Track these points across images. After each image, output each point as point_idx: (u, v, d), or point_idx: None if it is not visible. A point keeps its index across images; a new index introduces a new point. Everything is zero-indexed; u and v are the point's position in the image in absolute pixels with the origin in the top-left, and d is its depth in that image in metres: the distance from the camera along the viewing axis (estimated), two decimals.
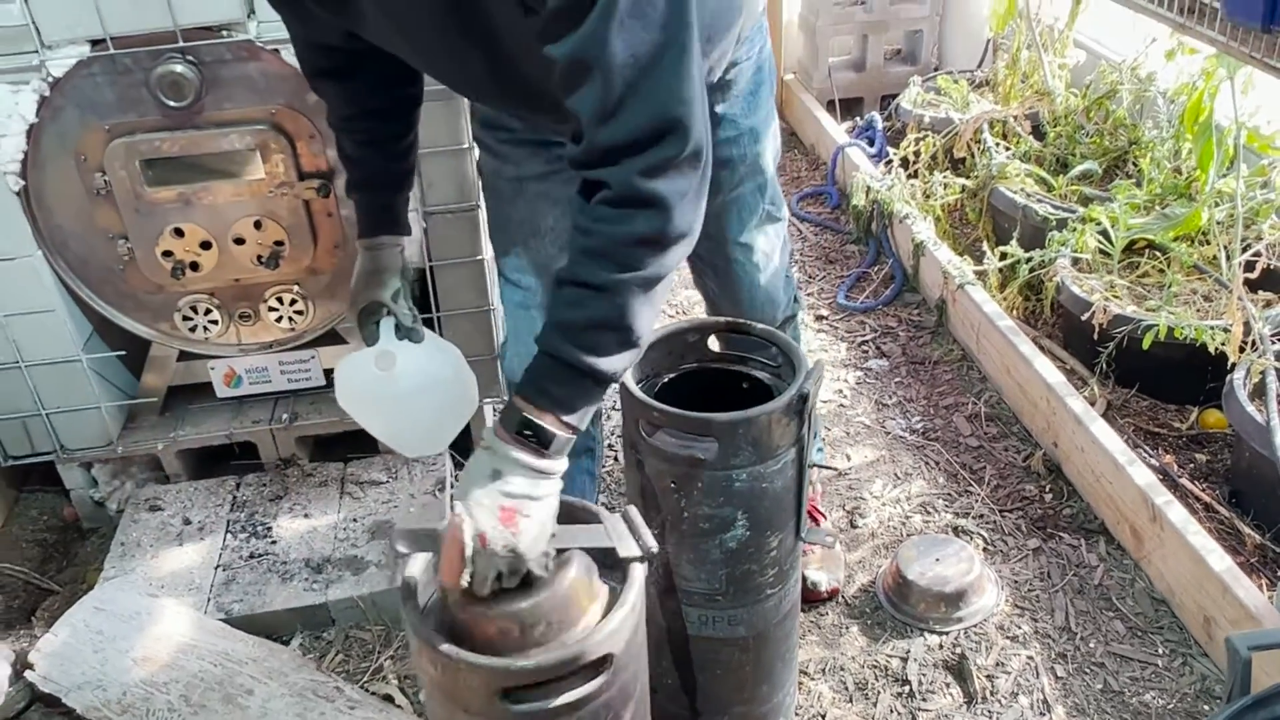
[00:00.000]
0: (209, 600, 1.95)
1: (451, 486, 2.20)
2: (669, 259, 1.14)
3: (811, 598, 1.95)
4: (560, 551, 1.23)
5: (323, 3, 1.24)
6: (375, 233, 1.55)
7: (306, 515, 2.14)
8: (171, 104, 1.89)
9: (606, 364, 1.14)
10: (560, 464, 1.17)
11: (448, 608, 1.18)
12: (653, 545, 1.20)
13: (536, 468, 1.13)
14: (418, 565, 1.22)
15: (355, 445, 2.28)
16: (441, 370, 1.59)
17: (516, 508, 1.12)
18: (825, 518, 2.14)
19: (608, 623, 1.13)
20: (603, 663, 1.12)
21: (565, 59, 1.06)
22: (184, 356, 2.20)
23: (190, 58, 1.87)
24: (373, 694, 1.81)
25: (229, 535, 2.10)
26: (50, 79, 1.85)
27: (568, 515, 1.27)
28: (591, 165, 1.13)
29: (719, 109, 1.59)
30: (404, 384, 1.55)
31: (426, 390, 1.57)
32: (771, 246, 1.80)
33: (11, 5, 1.76)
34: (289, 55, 1.87)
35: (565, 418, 1.14)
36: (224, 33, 1.85)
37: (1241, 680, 1.03)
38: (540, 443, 1.13)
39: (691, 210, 1.14)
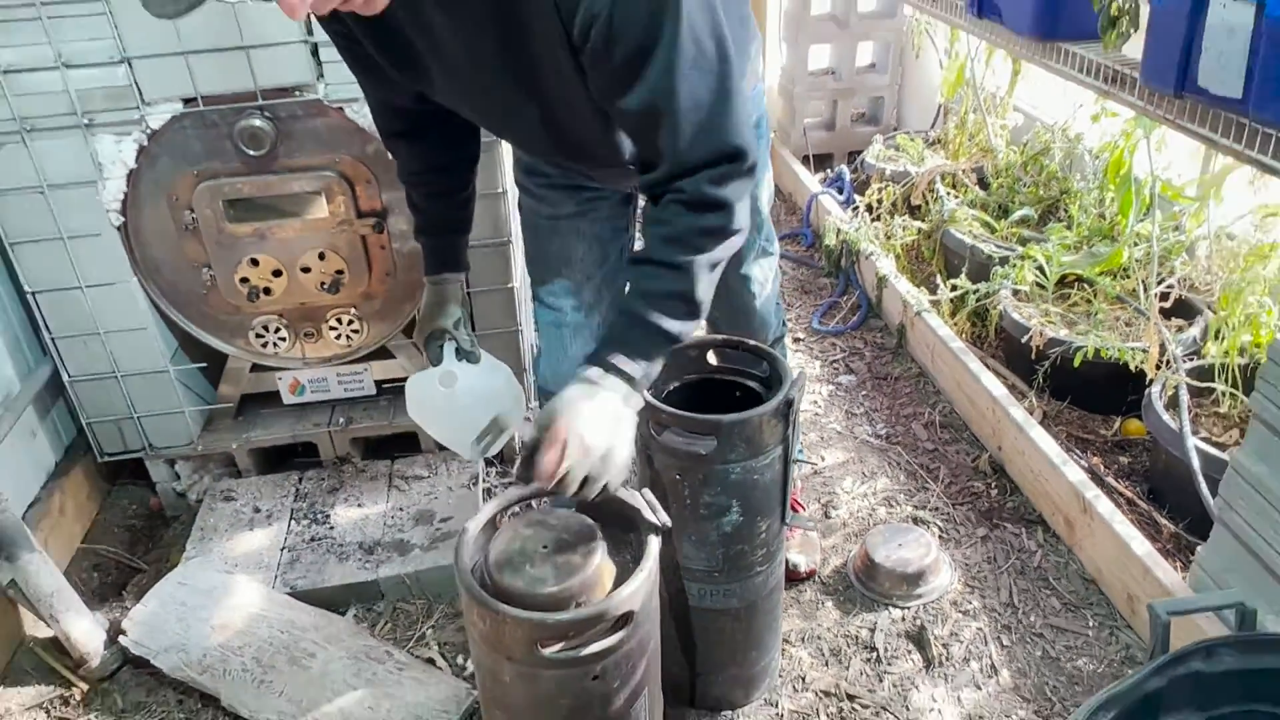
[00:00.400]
0: (276, 577, 1.96)
1: (483, 480, 2.21)
2: (728, 247, 1.20)
3: (792, 577, 1.95)
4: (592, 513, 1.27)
5: (397, 67, 1.26)
6: (440, 270, 1.54)
7: (359, 505, 2.14)
8: (250, 153, 1.90)
9: (675, 327, 1.19)
10: (638, 402, 1.21)
11: (492, 572, 1.20)
12: (667, 520, 1.24)
13: (625, 400, 1.18)
14: (469, 537, 1.24)
15: (401, 445, 2.29)
16: (494, 386, 1.59)
17: (615, 427, 1.16)
18: (804, 508, 2.16)
19: (629, 585, 1.15)
20: (625, 619, 1.15)
21: (638, 110, 1.10)
22: (256, 368, 2.21)
23: (267, 114, 1.89)
24: (417, 657, 1.82)
25: (293, 522, 2.11)
26: (148, 131, 1.87)
27: (603, 499, 1.28)
28: (671, 181, 1.17)
29: None
30: (464, 399, 1.54)
31: (482, 404, 1.55)
32: (765, 277, 1.81)
33: (118, 68, 1.79)
34: (351, 113, 1.89)
35: (641, 363, 1.19)
36: (296, 93, 1.87)
37: (1162, 641, 1.04)
38: (622, 378, 1.17)
39: (745, 209, 1.19)
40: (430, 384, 1.55)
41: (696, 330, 1.26)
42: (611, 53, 1.06)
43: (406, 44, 1.20)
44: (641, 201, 1.75)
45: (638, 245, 1.71)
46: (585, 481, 1.15)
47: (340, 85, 1.86)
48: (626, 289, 1.26)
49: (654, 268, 1.19)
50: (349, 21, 1.18)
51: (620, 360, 1.18)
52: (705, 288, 1.20)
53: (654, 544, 1.21)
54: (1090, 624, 1.85)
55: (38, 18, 1.72)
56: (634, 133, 1.19)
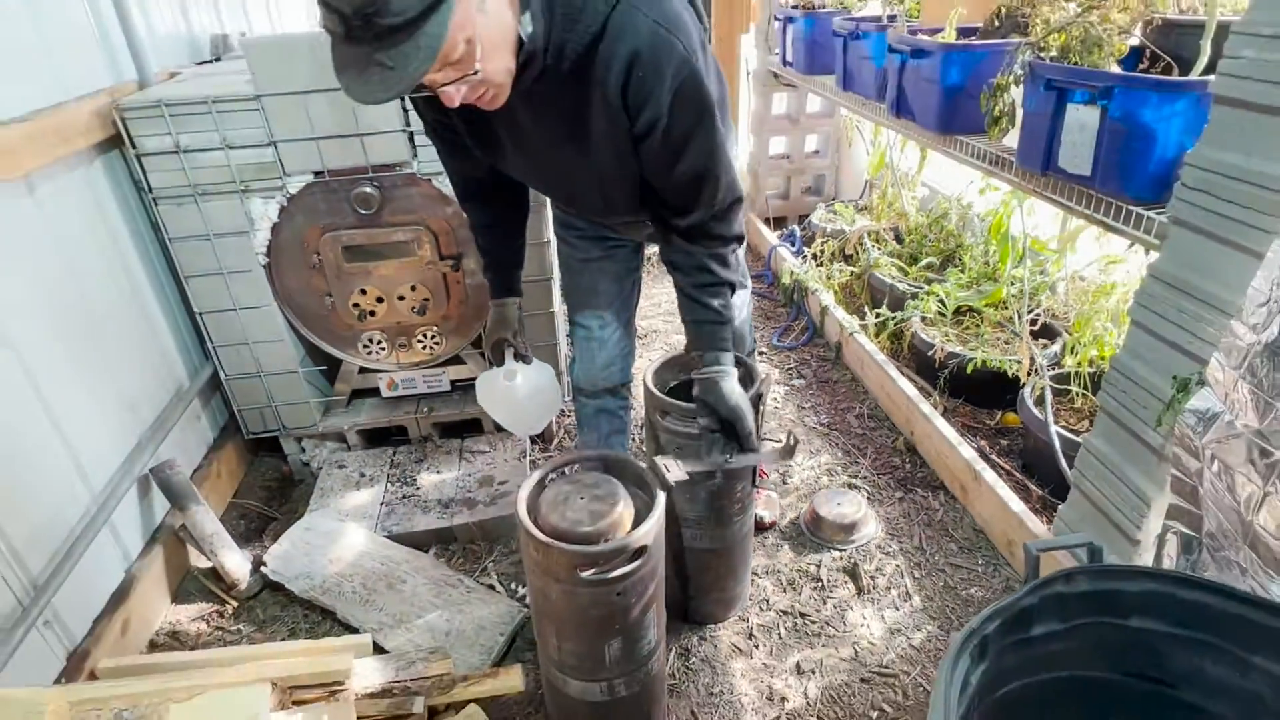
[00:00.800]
0: (376, 524, 1.97)
1: (529, 455, 2.21)
2: (739, 253, 1.35)
3: (759, 527, 1.96)
4: (616, 473, 1.28)
5: (480, 147, 1.26)
6: (502, 295, 1.54)
7: (438, 472, 2.15)
8: (362, 212, 1.92)
9: (723, 326, 1.32)
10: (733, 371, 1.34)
11: (543, 516, 1.20)
12: (671, 481, 1.25)
13: (731, 376, 1.33)
14: (526, 492, 1.25)
15: (469, 428, 2.29)
16: (542, 382, 1.58)
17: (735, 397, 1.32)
18: (767, 475, 2.16)
19: (643, 526, 1.16)
20: (640, 551, 1.16)
21: (687, 174, 1.17)
22: (362, 370, 2.21)
23: (375, 183, 1.89)
24: (481, 584, 1.82)
25: (388, 484, 2.11)
26: (288, 195, 1.88)
27: (623, 465, 1.32)
28: (700, 224, 1.24)
29: None
30: (520, 391, 1.54)
31: (533, 395, 1.56)
32: (742, 303, 1.79)
33: (267, 149, 1.81)
34: (437, 183, 1.90)
35: (722, 352, 1.33)
36: (397, 168, 1.88)
37: (1034, 569, 1.04)
38: (721, 363, 1.32)
39: (742, 225, 1.31)
40: (495, 379, 1.55)
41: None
42: (666, 140, 1.11)
43: (491, 130, 1.22)
44: (650, 249, 1.78)
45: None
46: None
47: (429, 163, 1.86)
48: (683, 311, 1.35)
49: (693, 304, 1.31)
50: (450, 113, 1.17)
51: (713, 352, 1.32)
52: (735, 277, 1.32)
53: (661, 497, 1.23)
54: (979, 562, 1.86)
55: (209, 112, 1.75)
56: (678, 191, 1.21)
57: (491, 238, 1.51)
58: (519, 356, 1.55)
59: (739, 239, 1.31)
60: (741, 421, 1.30)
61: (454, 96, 0.97)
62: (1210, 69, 1.27)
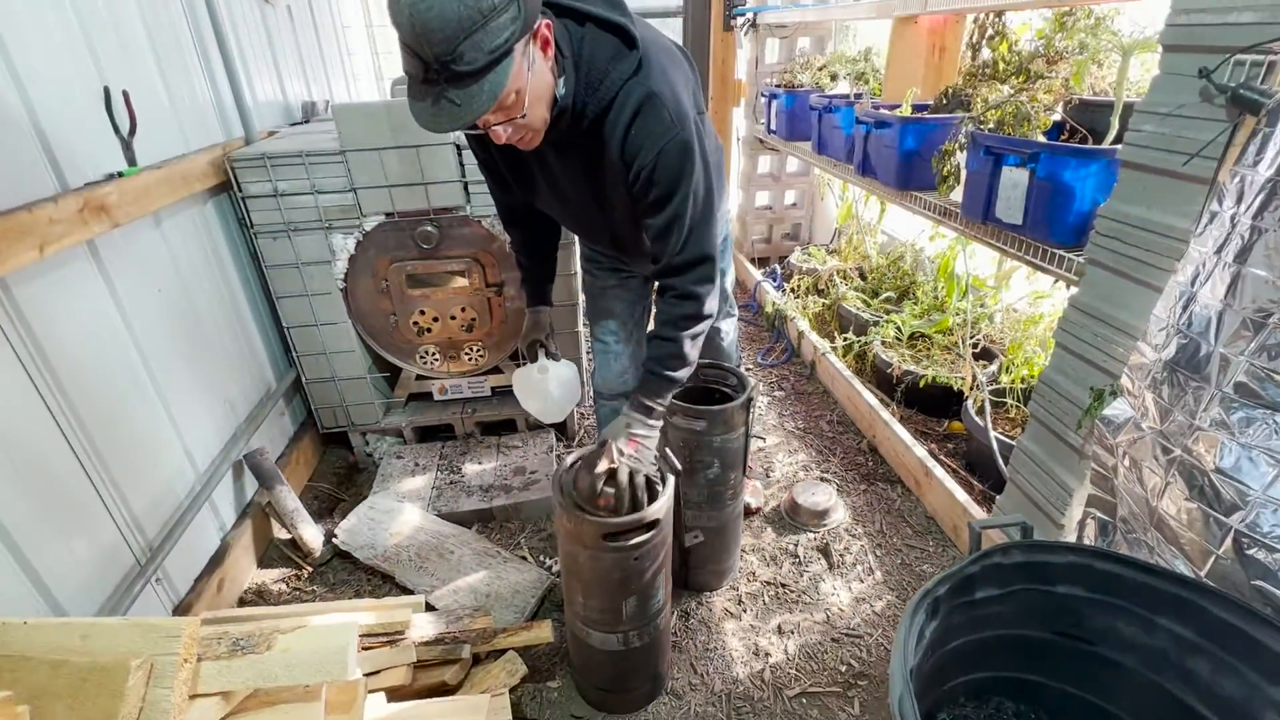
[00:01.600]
0: (429, 504, 1.97)
1: (555, 450, 2.23)
2: (702, 327, 1.24)
3: (748, 512, 1.95)
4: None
5: (517, 183, 1.30)
6: (536, 304, 1.56)
7: (479, 463, 2.15)
8: (423, 246, 1.93)
9: (676, 374, 1.24)
10: (657, 424, 1.27)
11: (575, 492, 1.21)
12: (679, 467, 1.26)
13: (647, 423, 1.24)
14: (560, 475, 1.25)
15: (506, 427, 2.29)
16: (568, 376, 1.58)
17: (639, 441, 1.23)
18: (754, 468, 2.16)
19: (657, 503, 1.17)
20: (654, 524, 1.17)
21: (660, 226, 1.14)
22: (419, 378, 2.22)
23: (435, 223, 1.91)
24: (515, 555, 1.82)
25: (438, 472, 2.11)
26: (363, 231, 1.90)
27: None
28: (667, 276, 1.20)
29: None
30: (550, 384, 1.54)
31: (561, 387, 1.56)
32: (730, 328, 1.82)
33: (348, 194, 1.83)
34: (486, 224, 1.92)
35: (658, 401, 1.25)
36: (453, 211, 1.89)
37: (976, 543, 1.05)
38: (647, 413, 1.24)
39: (712, 300, 1.23)
40: (530, 373, 1.54)
41: (690, 371, 1.27)
42: (649, 192, 1.11)
43: (528, 169, 1.25)
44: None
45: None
46: (632, 474, 1.20)
47: (480, 207, 1.89)
48: (645, 354, 1.27)
49: (659, 341, 1.24)
50: (495, 153, 1.23)
51: (647, 399, 1.24)
52: (692, 351, 1.23)
53: (671, 480, 1.24)
54: (931, 544, 1.86)
55: (302, 163, 1.79)
56: (653, 239, 1.19)
57: (528, 255, 1.52)
58: (549, 354, 1.54)
59: (700, 315, 1.20)
60: (606, 450, 1.21)
61: (501, 135, 1.03)
62: (1118, 139, 1.31)
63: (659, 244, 1.17)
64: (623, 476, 1.18)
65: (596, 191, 1.19)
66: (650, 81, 1.07)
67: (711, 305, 1.22)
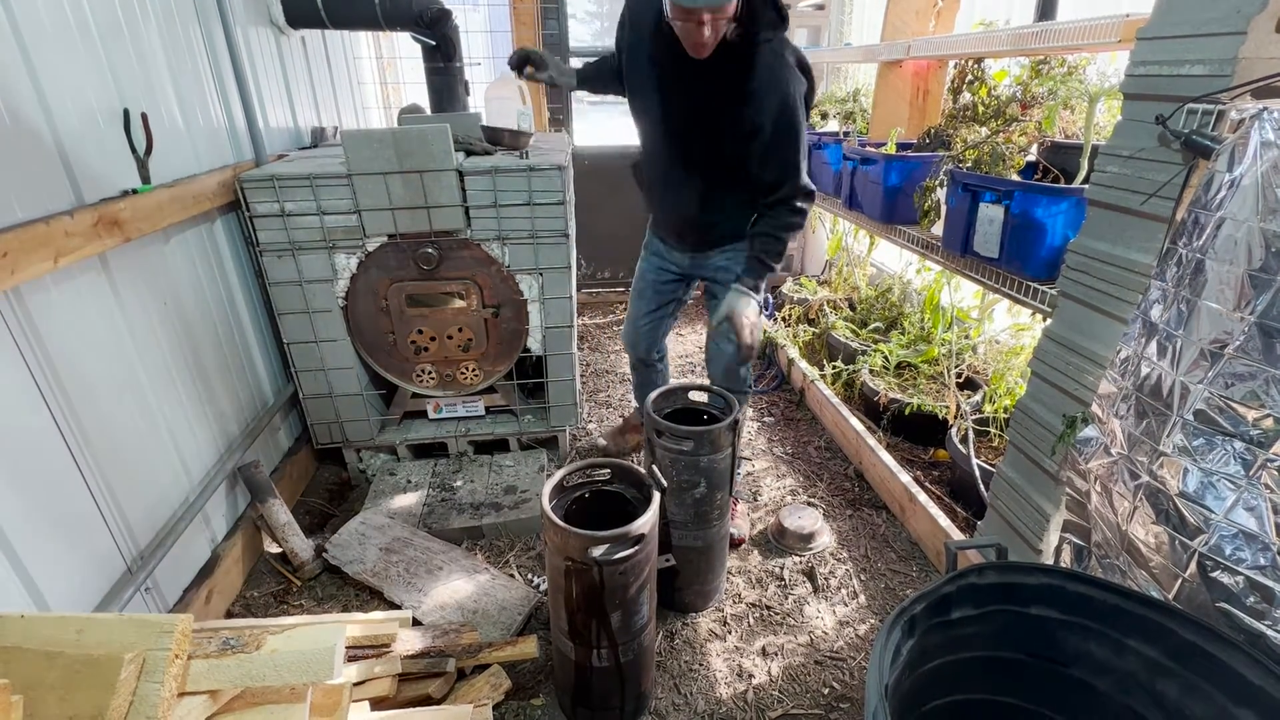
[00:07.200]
0: (420, 521, 1.97)
1: (546, 469, 2.23)
2: (799, 231, 1.58)
3: (733, 543, 1.93)
4: (620, 475, 1.32)
5: (636, 90, 1.60)
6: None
7: (471, 481, 2.14)
8: (424, 268, 1.95)
9: (779, 265, 1.57)
10: (759, 298, 1.57)
11: (560, 509, 1.24)
12: (665, 484, 1.28)
13: (757, 297, 1.56)
14: (548, 491, 1.27)
15: (498, 446, 2.30)
16: None
17: (758, 311, 1.55)
18: (742, 491, 2.15)
19: (642, 518, 1.18)
20: (639, 538, 1.18)
21: (787, 153, 1.47)
22: (414, 396, 2.22)
23: (435, 245, 1.93)
24: (503, 572, 1.82)
25: (430, 489, 2.11)
26: (366, 252, 1.92)
27: (629, 472, 1.35)
28: (784, 194, 1.51)
29: None
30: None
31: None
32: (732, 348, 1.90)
33: (352, 216, 1.85)
34: (485, 247, 1.93)
35: (761, 282, 1.57)
36: (453, 234, 1.92)
37: (952, 564, 1.06)
38: (757, 290, 1.56)
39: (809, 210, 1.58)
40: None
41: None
42: (784, 124, 1.42)
43: (662, 69, 1.48)
44: (694, 290, 2.01)
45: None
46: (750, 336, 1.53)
47: (480, 231, 1.92)
48: (751, 246, 1.58)
49: (769, 239, 1.55)
50: (637, 59, 1.52)
51: (755, 281, 1.55)
52: (789, 246, 1.59)
53: (656, 497, 1.25)
54: (914, 569, 1.87)
55: (309, 185, 1.83)
56: (780, 164, 1.48)
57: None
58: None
59: (798, 224, 1.54)
60: (736, 318, 1.53)
61: (705, 33, 1.27)
62: (1087, 179, 1.37)
63: (782, 168, 1.48)
64: (757, 335, 1.52)
65: (712, 113, 1.43)
66: (786, 49, 1.39)
67: (808, 213, 1.56)
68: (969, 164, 1.61)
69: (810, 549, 1.94)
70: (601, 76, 1.76)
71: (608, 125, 6.37)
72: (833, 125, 2.98)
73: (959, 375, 2.32)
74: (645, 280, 1.94)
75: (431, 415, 2.26)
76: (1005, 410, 2.05)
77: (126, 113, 1.48)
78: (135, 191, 1.49)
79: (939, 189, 1.73)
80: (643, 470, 1.36)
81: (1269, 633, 0.92)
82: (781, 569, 1.88)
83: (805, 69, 1.41)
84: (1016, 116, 1.61)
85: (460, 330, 2.08)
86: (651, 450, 1.55)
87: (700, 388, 1.69)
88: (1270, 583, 0.93)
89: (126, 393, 1.47)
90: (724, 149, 1.48)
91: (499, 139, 2.10)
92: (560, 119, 3.61)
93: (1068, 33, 1.41)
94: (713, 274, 1.81)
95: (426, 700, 1.27)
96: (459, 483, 2.15)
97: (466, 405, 2.24)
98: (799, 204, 1.53)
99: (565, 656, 1.35)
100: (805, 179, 1.52)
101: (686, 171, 1.61)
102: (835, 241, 3.39)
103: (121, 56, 1.50)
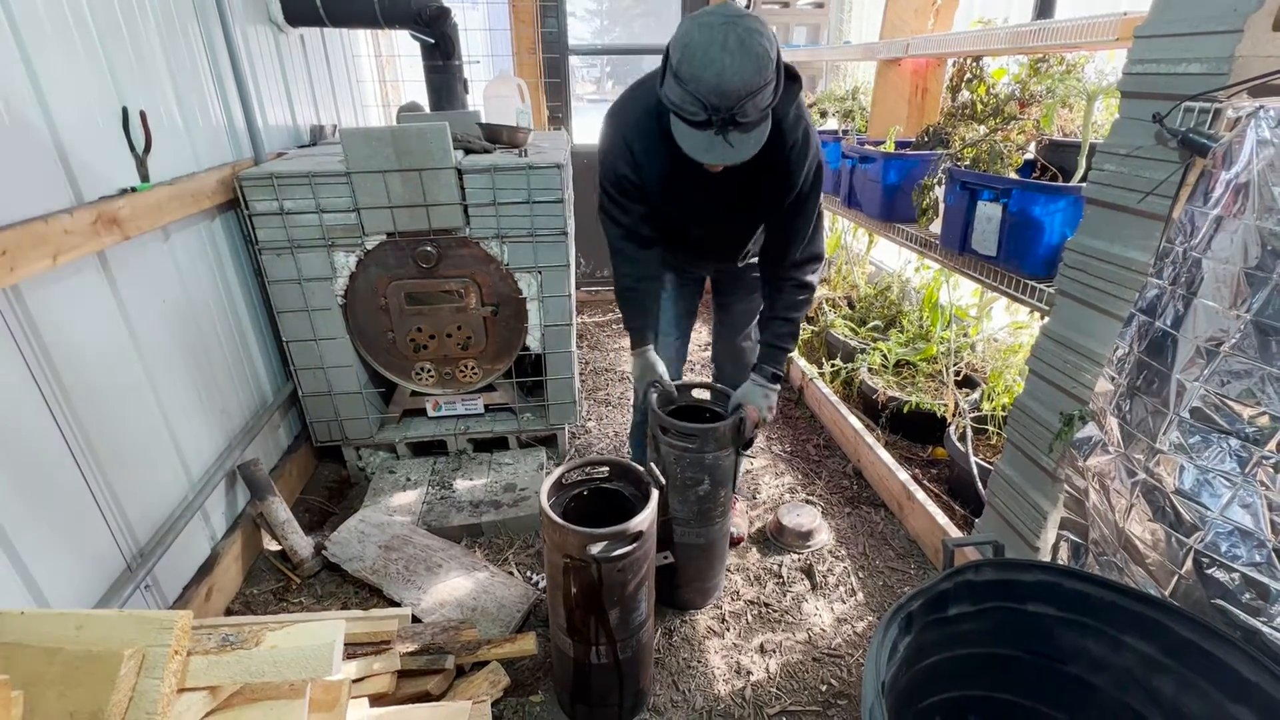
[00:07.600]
0: (419, 518, 1.97)
1: (545, 468, 2.23)
2: (809, 305, 1.51)
3: (733, 542, 1.94)
4: (620, 473, 1.32)
5: (670, 199, 1.39)
6: (643, 345, 1.55)
7: (471, 479, 2.14)
8: (423, 265, 1.95)
9: (791, 346, 1.51)
10: (778, 386, 1.52)
11: (559, 506, 1.23)
12: (663, 481, 1.28)
13: (776, 388, 1.51)
14: (546, 489, 1.27)
15: (498, 444, 2.30)
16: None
17: (772, 402, 1.50)
18: (742, 488, 2.14)
19: (640, 515, 1.19)
20: (637, 535, 1.18)
21: (801, 224, 1.40)
22: (413, 394, 2.23)
23: (434, 244, 1.93)
24: (503, 570, 1.82)
25: (430, 487, 2.11)
26: (365, 250, 1.92)
27: (627, 469, 1.35)
28: (793, 269, 1.45)
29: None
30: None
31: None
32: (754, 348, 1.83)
33: (351, 214, 1.86)
34: (484, 245, 1.93)
35: (779, 368, 1.51)
36: (453, 232, 1.91)
37: (949, 561, 1.06)
38: (776, 380, 1.51)
39: (815, 279, 1.49)
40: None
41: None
42: (803, 196, 1.36)
43: (689, 183, 1.34)
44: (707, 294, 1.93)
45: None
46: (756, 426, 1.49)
47: (478, 230, 1.92)
48: (765, 333, 1.53)
49: (782, 322, 1.49)
50: (655, 174, 1.36)
51: (774, 369, 1.50)
52: (801, 326, 1.55)
53: (654, 494, 1.26)
54: (912, 567, 1.87)
55: (308, 184, 1.83)
56: (789, 238, 1.42)
57: (643, 286, 1.51)
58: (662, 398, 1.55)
59: (809, 301, 1.49)
60: (750, 415, 1.50)
61: (718, 166, 1.22)
62: (1085, 178, 1.37)
63: (792, 243, 1.42)
64: (768, 419, 1.50)
65: (747, 198, 1.38)
66: (805, 113, 1.32)
67: (817, 289, 1.52)
68: (967, 162, 1.61)
69: (808, 546, 1.94)
70: (651, 252, 1.52)
71: None
72: (831, 123, 2.98)
73: (957, 373, 2.31)
74: (674, 310, 1.75)
75: (431, 413, 2.26)
76: (1003, 408, 2.05)
77: (125, 111, 1.48)
78: (134, 190, 1.50)
79: (937, 187, 1.74)
80: (641, 468, 1.36)
81: (1264, 629, 0.93)
82: (780, 566, 1.88)
83: (793, 76, 1.29)
84: (1015, 115, 1.61)
85: (459, 328, 2.08)
86: (655, 447, 1.54)
87: (704, 386, 1.69)
88: (1265, 579, 0.93)
89: (126, 390, 1.48)
90: (759, 215, 1.44)
91: (498, 137, 2.10)
92: (559, 117, 3.61)
93: (1066, 31, 1.42)
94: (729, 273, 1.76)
95: (425, 697, 1.27)
96: (458, 481, 2.15)
97: (465, 403, 2.24)
98: (808, 278, 1.47)
99: (564, 653, 1.35)
100: (821, 243, 1.46)
101: (720, 243, 1.55)
102: (834, 240, 3.39)
103: (120, 55, 1.50)
